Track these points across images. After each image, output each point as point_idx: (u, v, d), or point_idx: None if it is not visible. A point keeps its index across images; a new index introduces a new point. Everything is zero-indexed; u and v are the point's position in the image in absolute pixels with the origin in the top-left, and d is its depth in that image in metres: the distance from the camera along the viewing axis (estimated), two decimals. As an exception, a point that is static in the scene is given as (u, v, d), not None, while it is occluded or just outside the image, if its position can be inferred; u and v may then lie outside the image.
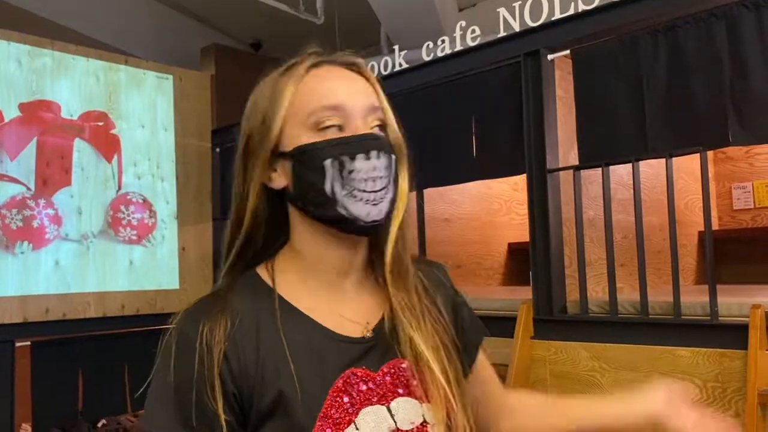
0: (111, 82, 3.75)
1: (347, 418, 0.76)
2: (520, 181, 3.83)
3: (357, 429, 0.77)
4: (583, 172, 2.59)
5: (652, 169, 3.15)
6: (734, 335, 2.06)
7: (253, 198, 0.81)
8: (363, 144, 0.78)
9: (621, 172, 2.95)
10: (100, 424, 4.50)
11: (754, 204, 3.81)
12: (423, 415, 0.81)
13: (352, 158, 0.77)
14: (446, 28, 4.22)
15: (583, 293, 2.50)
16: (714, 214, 3.90)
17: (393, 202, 0.81)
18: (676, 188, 2.41)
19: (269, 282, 0.81)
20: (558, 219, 2.60)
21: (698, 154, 2.21)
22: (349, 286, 0.84)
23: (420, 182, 3.04)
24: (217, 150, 4.18)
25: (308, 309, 0.81)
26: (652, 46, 2.30)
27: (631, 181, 2.39)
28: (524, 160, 2.65)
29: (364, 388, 0.79)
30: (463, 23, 2.88)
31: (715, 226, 3.88)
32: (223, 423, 0.72)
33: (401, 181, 0.83)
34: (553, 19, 2.59)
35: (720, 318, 2.14)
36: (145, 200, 3.85)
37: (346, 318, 0.82)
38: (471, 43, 2.86)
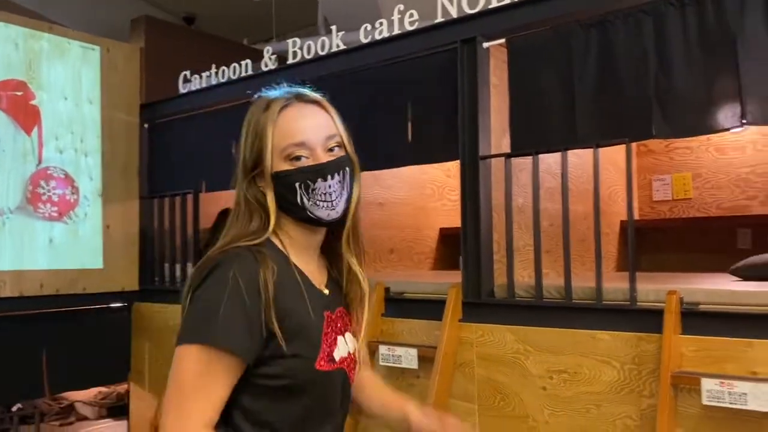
0: (32, 51, 3.55)
1: (333, 340, 1.18)
2: (453, 167, 3.89)
3: (338, 348, 1.18)
4: (514, 160, 2.64)
5: (579, 159, 3.25)
6: (651, 320, 2.16)
7: (252, 198, 1.17)
8: (321, 171, 1.14)
9: (550, 161, 3.03)
10: (15, 408, 4.31)
11: (672, 196, 4.00)
12: (353, 345, 1.24)
13: (314, 181, 1.14)
14: (384, 11, 4.21)
15: (510, 278, 2.56)
16: (635, 204, 4.07)
17: (348, 200, 1.19)
18: (602, 179, 2.49)
19: (282, 249, 1.16)
20: (488, 205, 2.65)
21: (623, 146, 2.30)
22: (314, 256, 1.24)
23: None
24: (146, 126, 4.04)
25: (303, 269, 1.18)
26: (584, 39, 2.36)
27: (560, 170, 2.46)
28: (458, 147, 2.68)
29: (337, 325, 1.21)
30: (401, 7, 2.87)
31: (636, 216, 4.05)
32: (280, 335, 1.06)
33: (355, 184, 1.21)
34: (490, 7, 2.62)
35: (638, 303, 2.24)
36: (67, 175, 3.68)
37: (315, 277, 1.21)
38: (409, 28, 2.86)
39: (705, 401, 1.95)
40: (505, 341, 2.49)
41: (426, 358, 2.63)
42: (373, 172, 3.53)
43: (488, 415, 2.53)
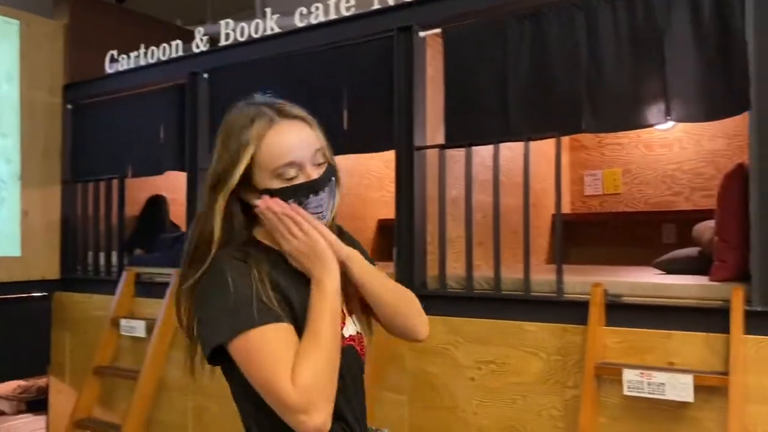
0: (-57, 22, 3.32)
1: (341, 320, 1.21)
2: (393, 158, 3.87)
3: (347, 326, 1.25)
4: (449, 152, 2.63)
5: (513, 152, 3.27)
6: (577, 311, 2.19)
7: (221, 207, 1.19)
8: (313, 187, 1.20)
9: (485, 153, 3.03)
10: None
11: (602, 191, 4.10)
12: (359, 326, 1.30)
13: (306, 197, 1.19)
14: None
15: (443, 269, 2.55)
16: (567, 199, 4.15)
17: (333, 205, 1.26)
18: (536, 173, 2.51)
19: (274, 245, 1.22)
20: (423, 196, 2.63)
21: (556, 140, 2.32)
22: None
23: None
24: (69, 107, 3.84)
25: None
26: (518, 31, 2.36)
27: (493, 164, 2.47)
28: (393, 137, 2.65)
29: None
30: (339, -8, 2.81)
31: (567, 210, 4.13)
32: (280, 312, 1.12)
33: (337, 189, 1.27)
34: (427, -4, 2.59)
35: (565, 295, 2.27)
36: (-19, 157, 3.47)
37: None
38: (345, 13, 2.80)
39: (626, 391, 1.99)
40: (435, 332, 2.48)
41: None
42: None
43: (418, 406, 2.52)
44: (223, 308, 1.12)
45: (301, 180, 1.19)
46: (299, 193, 1.18)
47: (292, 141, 1.19)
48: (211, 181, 1.20)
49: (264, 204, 1.18)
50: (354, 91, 2.78)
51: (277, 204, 1.17)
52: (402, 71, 2.63)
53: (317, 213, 1.20)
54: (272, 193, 1.18)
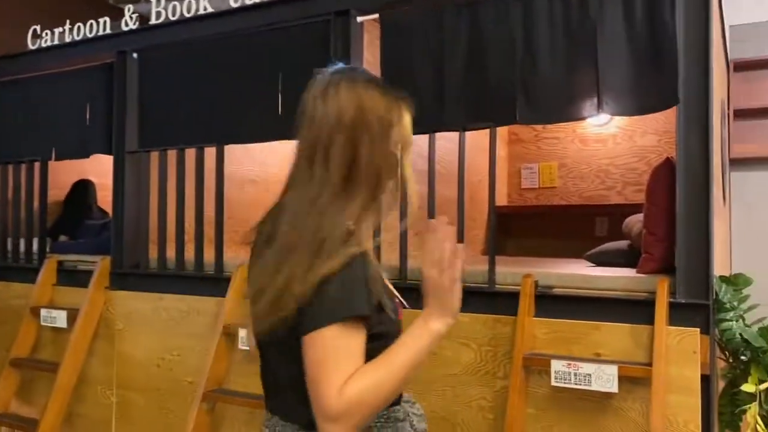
0: None
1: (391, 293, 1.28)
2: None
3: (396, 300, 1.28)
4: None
5: (452, 143, 3.26)
6: (508, 302, 2.18)
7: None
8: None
9: (421, 143, 3.01)
10: None
11: (539, 184, 4.15)
12: None
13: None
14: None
15: (378, 259, 2.51)
16: (504, 191, 4.19)
17: None
18: (474, 165, 2.50)
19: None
20: (358, 185, 2.58)
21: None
22: None
23: (220, 137, 2.87)
24: (134, 55, 3.22)
25: None
26: (456, 19, 2.34)
27: (428, 154, 2.44)
28: (328, 123, 2.59)
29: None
30: (275, -28, 2.73)
31: (504, 202, 4.17)
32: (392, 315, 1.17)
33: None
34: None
35: (496, 286, 2.26)
36: None
37: None
38: (281, -5, 2.72)
39: (554, 382, 2.01)
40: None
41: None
42: (246, 146, 3.38)
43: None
44: (347, 289, 1.10)
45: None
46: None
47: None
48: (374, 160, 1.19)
49: (441, 224, 1.17)
50: (290, 76, 2.70)
51: (450, 234, 1.17)
52: (339, 56, 2.57)
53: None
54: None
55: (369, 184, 1.17)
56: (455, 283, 1.16)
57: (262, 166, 3.80)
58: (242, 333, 2.60)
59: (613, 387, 1.91)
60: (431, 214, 2.43)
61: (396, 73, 2.46)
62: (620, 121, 3.96)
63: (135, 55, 3.14)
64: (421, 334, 1.14)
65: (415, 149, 2.74)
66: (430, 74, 2.39)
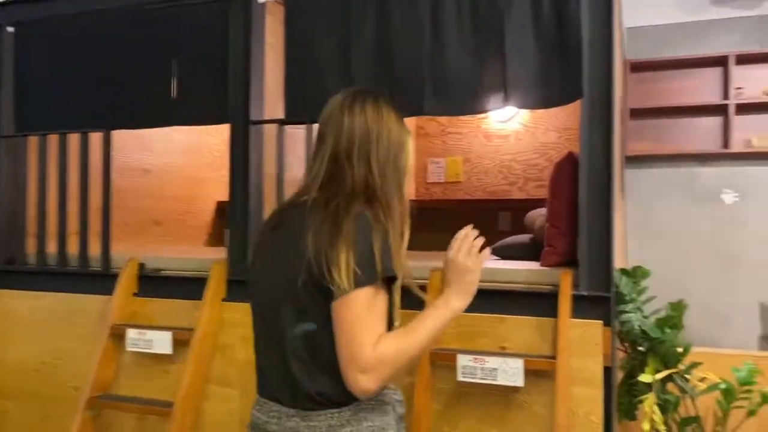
0: None
1: None
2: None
3: None
4: (290, 130, 2.47)
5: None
6: (412, 297, 2.13)
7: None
8: None
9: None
10: None
11: (445, 178, 4.15)
12: None
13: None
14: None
15: (279, 254, 2.40)
16: (412, 185, 4.16)
17: None
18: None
19: None
20: (260, 175, 2.46)
21: (412, 119, 2.23)
22: None
23: (106, 122, 2.65)
24: (10, 29, 2.89)
25: None
26: (363, 4, 2.25)
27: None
28: (228, 109, 2.44)
29: None
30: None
31: (412, 196, 4.14)
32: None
33: None
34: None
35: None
36: None
37: None
38: (177, -30, 2.53)
39: (460, 377, 1.97)
40: (269, 321, 2.33)
41: (183, 342, 2.37)
42: (138, 134, 3.15)
43: (251, 400, 2.35)
44: (379, 251, 1.22)
45: None
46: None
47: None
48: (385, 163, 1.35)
49: (469, 230, 1.39)
50: (184, 57, 2.52)
51: (475, 233, 1.38)
52: (239, 38, 2.43)
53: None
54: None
55: (384, 194, 1.31)
56: (479, 266, 1.35)
57: (157, 155, 3.57)
58: (131, 334, 2.41)
59: (518, 381, 1.90)
60: (336, 207, 2.34)
61: (300, 58, 2.35)
62: (523, 117, 4.03)
63: (11, 29, 2.85)
64: (444, 312, 1.30)
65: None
66: (337, 61, 2.29)
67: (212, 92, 2.47)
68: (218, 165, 4.03)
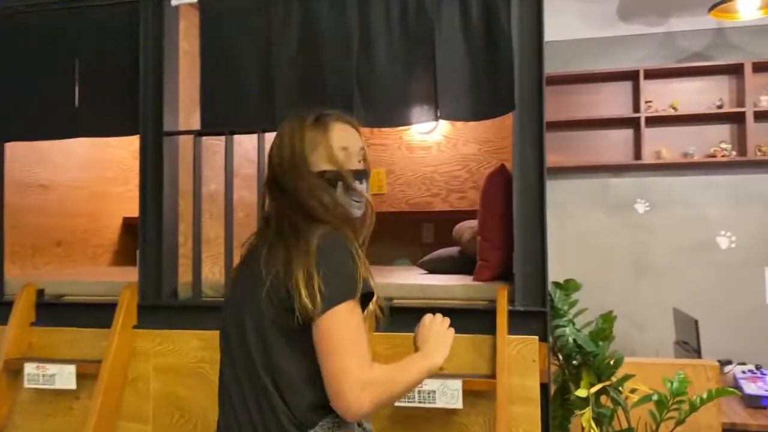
0: None
1: None
2: (140, 147, 3.39)
3: None
4: (207, 142, 2.31)
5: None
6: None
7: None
8: (359, 174, 1.39)
9: (247, 145, 2.76)
10: None
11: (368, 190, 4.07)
12: None
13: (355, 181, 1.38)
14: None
15: (197, 275, 2.23)
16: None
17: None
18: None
19: None
20: (174, 190, 2.28)
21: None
22: None
23: (1, 132, 2.39)
24: None
25: None
26: (285, 10, 2.14)
27: (257, 156, 2.21)
28: (139, 119, 2.25)
29: None
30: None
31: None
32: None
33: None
34: (180, -41, 2.24)
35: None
36: None
37: None
38: (79, -32, 2.32)
39: (396, 402, 1.87)
40: (188, 349, 2.15)
41: (89, 375, 2.15)
42: (35, 146, 2.87)
43: (166, 435, 2.16)
44: (348, 272, 1.21)
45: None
46: (345, 176, 1.34)
47: (346, 135, 1.41)
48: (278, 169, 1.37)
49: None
50: (90, 62, 2.31)
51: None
52: (150, 44, 2.25)
53: (359, 202, 1.37)
54: (322, 174, 1.34)
55: (314, 203, 1.30)
56: (449, 329, 1.43)
57: (56, 169, 3.28)
58: (29, 368, 2.16)
59: (457, 403, 1.83)
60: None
61: (218, 66, 2.20)
62: (444, 129, 4.02)
63: None
64: (424, 363, 1.32)
65: (241, 152, 2.51)
66: (259, 69, 2.16)
67: (121, 101, 2.27)
68: (124, 179, 3.77)
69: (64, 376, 2.14)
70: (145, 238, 2.25)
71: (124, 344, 2.16)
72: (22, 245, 2.97)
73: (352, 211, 1.36)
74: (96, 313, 2.24)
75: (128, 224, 3.75)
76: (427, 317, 1.44)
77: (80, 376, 2.15)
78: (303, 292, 1.17)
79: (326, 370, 1.17)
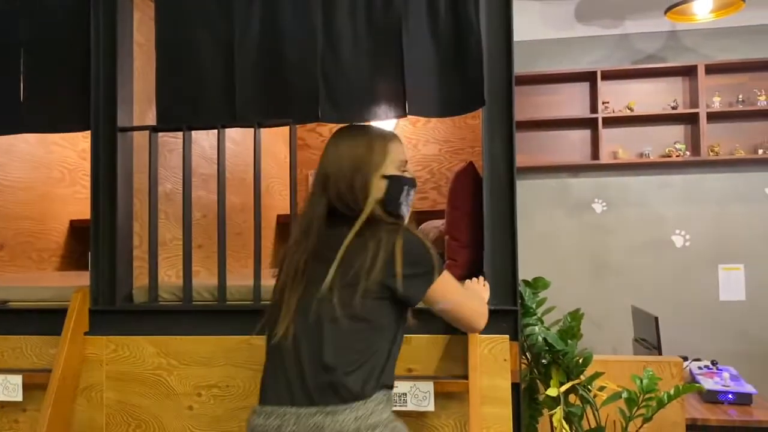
0: None
1: None
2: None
3: None
4: (161, 140, 2.21)
5: (237, 146, 2.96)
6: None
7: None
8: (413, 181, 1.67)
9: (204, 144, 2.67)
10: None
11: (327, 191, 3.99)
12: None
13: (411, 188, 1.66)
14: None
15: (154, 278, 2.12)
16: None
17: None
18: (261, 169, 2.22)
19: None
20: (128, 189, 2.16)
21: (284, 137, 2.06)
22: None
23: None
24: None
25: None
26: (246, 1, 2.06)
27: (215, 156, 2.12)
28: (89, 114, 2.13)
29: None
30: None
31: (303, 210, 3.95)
32: None
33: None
34: (135, -54, 2.13)
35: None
36: None
37: None
38: (23, -47, 2.19)
39: (365, 406, 1.81)
40: (144, 356, 2.04)
41: (37, 386, 2.02)
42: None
43: (120, 446, 2.04)
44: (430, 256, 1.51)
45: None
46: (407, 182, 1.62)
47: (403, 150, 1.67)
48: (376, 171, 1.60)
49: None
50: (35, 53, 2.18)
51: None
52: (102, 36, 2.13)
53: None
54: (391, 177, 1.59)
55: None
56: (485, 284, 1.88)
57: (-4, 168, 3.10)
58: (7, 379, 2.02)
59: (429, 405, 1.78)
60: (221, 223, 2.11)
61: (175, 59, 2.10)
62: (404, 129, 3.98)
63: None
64: (484, 292, 1.86)
65: (198, 151, 2.42)
66: (218, 63, 2.07)
67: (70, 94, 2.14)
68: (71, 180, 3.60)
69: (9, 387, 2.00)
70: (98, 240, 2.13)
71: (75, 352, 2.04)
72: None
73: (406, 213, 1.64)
74: (43, 320, 2.11)
75: (75, 227, 3.59)
76: (466, 282, 1.85)
77: (27, 387, 2.02)
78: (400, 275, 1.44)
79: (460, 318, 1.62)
